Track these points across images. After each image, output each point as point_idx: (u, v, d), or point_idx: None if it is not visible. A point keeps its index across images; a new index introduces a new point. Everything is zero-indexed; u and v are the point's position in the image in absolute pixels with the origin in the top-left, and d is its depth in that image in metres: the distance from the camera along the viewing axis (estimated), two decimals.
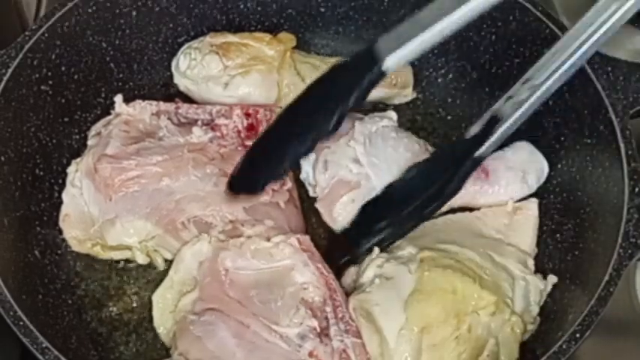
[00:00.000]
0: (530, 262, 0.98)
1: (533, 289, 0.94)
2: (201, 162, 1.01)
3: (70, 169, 1.03)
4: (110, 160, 0.99)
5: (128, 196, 0.99)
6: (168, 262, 1.00)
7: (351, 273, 0.97)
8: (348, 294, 0.94)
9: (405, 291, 0.90)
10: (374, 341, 0.89)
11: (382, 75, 0.81)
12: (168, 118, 1.05)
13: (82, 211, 1.01)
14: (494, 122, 0.89)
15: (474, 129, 0.91)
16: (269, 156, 0.91)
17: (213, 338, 0.88)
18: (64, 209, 1.01)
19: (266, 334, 0.88)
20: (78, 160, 1.03)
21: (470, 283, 0.89)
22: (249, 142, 1.04)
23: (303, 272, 0.92)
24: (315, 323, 0.88)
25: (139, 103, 1.06)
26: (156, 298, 0.95)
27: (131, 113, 1.05)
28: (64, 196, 1.02)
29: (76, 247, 1.01)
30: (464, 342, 0.88)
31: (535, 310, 0.94)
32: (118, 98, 1.06)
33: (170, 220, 0.99)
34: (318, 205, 1.03)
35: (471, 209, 1.04)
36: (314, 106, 0.86)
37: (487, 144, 0.90)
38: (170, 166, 1.00)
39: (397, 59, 0.81)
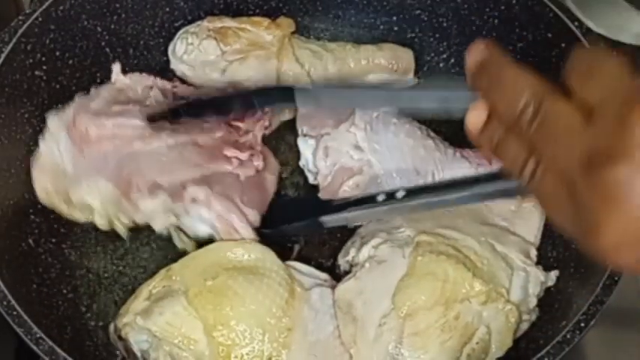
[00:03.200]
0: (533, 253, 0.96)
1: (533, 281, 0.93)
2: (179, 131, 1.00)
3: (52, 118, 1.00)
4: (90, 116, 0.99)
5: (100, 154, 0.97)
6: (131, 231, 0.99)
7: (349, 252, 0.95)
8: (343, 273, 0.94)
9: (395, 277, 0.89)
10: (348, 330, 0.89)
11: None
12: (162, 93, 1.05)
13: (56, 162, 0.98)
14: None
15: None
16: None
17: None
18: (40, 158, 0.99)
19: None
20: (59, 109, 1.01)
21: (463, 271, 0.88)
22: (235, 123, 1.04)
23: None
24: None
25: (137, 75, 1.06)
26: None
27: (126, 83, 1.05)
28: (42, 144, 0.99)
29: (44, 199, 0.98)
30: (449, 329, 0.87)
31: (533, 301, 0.93)
32: (116, 67, 1.05)
33: (128, 182, 0.96)
34: (321, 195, 1.02)
35: None
36: None
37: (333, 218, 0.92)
38: (146, 131, 0.99)
39: None
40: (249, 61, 1.07)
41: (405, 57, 1.12)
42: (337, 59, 1.10)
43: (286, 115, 1.09)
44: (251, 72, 1.07)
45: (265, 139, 1.07)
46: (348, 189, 0.99)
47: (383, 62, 1.11)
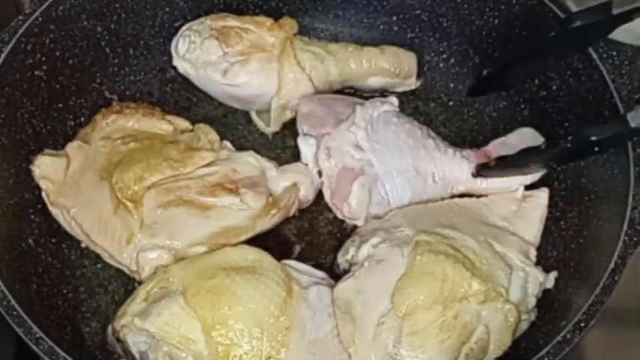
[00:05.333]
0: (533, 253, 0.96)
1: (532, 281, 0.93)
2: None
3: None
4: None
5: None
6: None
7: (348, 250, 0.96)
8: (343, 272, 0.94)
9: (394, 276, 0.89)
10: (347, 330, 0.89)
11: None
12: None
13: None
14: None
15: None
16: None
17: None
18: None
19: None
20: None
21: (461, 271, 0.88)
22: None
23: None
24: None
25: None
26: None
27: None
28: None
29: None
30: (448, 329, 0.87)
31: (532, 301, 0.92)
32: None
33: None
34: (331, 203, 1.02)
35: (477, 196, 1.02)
36: None
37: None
38: None
39: None
40: (250, 64, 1.06)
41: (408, 61, 1.12)
42: (339, 62, 1.09)
43: (287, 115, 1.08)
44: (252, 74, 1.06)
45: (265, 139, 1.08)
46: (356, 191, 0.99)
47: (385, 65, 1.10)
